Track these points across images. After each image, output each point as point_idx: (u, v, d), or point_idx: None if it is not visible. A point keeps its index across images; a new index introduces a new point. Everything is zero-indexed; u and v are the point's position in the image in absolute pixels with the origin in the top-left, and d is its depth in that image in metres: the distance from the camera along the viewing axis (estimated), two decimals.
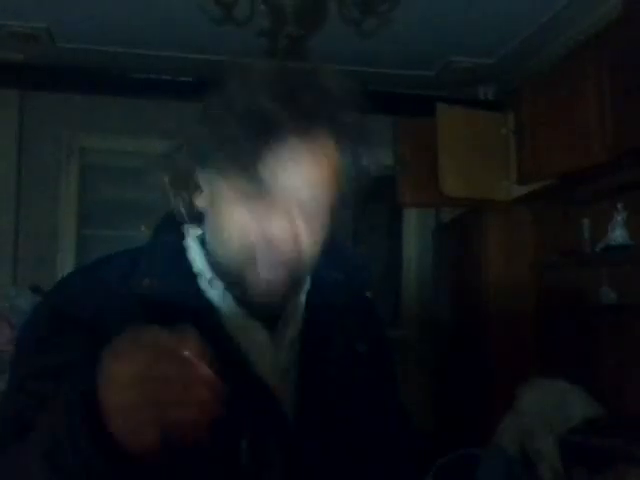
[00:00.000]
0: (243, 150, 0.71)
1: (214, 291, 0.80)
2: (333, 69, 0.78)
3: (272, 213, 0.74)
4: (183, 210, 0.82)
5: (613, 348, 2.73)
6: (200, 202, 0.81)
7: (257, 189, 0.73)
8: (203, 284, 0.80)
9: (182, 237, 0.84)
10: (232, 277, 0.77)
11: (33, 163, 3.71)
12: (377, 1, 2.55)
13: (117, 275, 0.79)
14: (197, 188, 0.80)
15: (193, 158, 0.78)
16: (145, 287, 0.77)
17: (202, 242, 0.83)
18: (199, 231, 0.83)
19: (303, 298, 0.87)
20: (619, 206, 2.68)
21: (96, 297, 0.77)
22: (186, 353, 0.56)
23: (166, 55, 3.54)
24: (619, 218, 2.67)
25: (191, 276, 0.80)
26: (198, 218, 0.82)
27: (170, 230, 0.85)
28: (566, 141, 2.76)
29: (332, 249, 0.88)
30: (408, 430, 0.99)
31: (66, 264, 3.73)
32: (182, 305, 0.76)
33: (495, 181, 3.37)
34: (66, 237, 3.77)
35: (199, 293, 0.79)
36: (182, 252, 0.83)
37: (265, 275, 0.75)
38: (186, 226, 0.84)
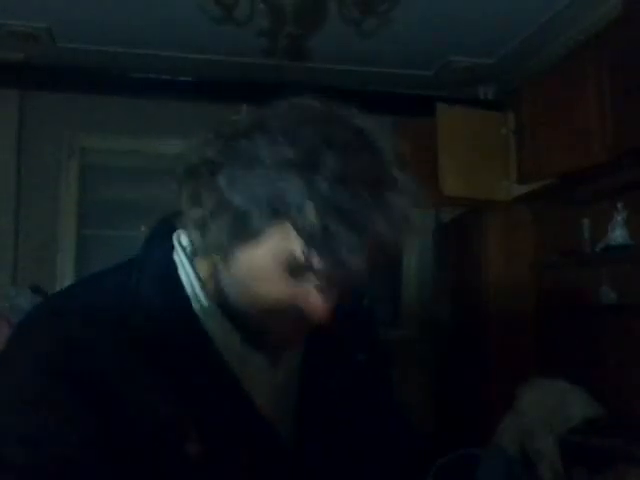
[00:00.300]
0: (333, 247, 0.65)
1: (209, 318, 0.75)
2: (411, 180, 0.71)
3: (322, 294, 0.69)
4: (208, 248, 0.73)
5: (613, 348, 2.73)
6: (238, 251, 0.71)
7: (330, 271, 0.67)
8: (196, 307, 0.75)
9: (172, 248, 0.78)
10: (249, 325, 0.73)
11: (33, 163, 3.71)
12: (377, 1, 2.55)
13: (108, 308, 0.72)
14: (249, 237, 0.69)
15: (241, 230, 0.68)
16: (136, 322, 0.71)
17: (192, 255, 0.77)
18: (186, 239, 0.78)
19: None
20: (619, 206, 2.68)
21: (87, 343, 0.69)
22: None
23: (166, 55, 3.54)
24: (619, 218, 2.67)
25: (184, 301, 0.75)
26: (218, 255, 0.73)
27: (160, 242, 0.79)
28: (566, 141, 2.76)
29: None
30: (410, 434, 0.99)
31: (66, 264, 3.73)
32: (177, 338, 0.72)
33: (495, 181, 3.37)
34: (66, 237, 3.77)
35: (194, 321, 0.74)
36: (173, 272, 0.76)
37: (289, 336, 0.74)
38: (177, 233, 0.79)
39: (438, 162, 3.31)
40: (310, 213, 0.63)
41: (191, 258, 0.77)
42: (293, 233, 0.65)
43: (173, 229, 0.79)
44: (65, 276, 3.68)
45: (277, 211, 0.65)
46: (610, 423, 2.45)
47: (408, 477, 0.95)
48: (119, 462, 0.66)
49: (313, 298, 0.69)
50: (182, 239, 0.78)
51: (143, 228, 3.96)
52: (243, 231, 0.67)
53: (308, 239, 0.65)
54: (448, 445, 2.69)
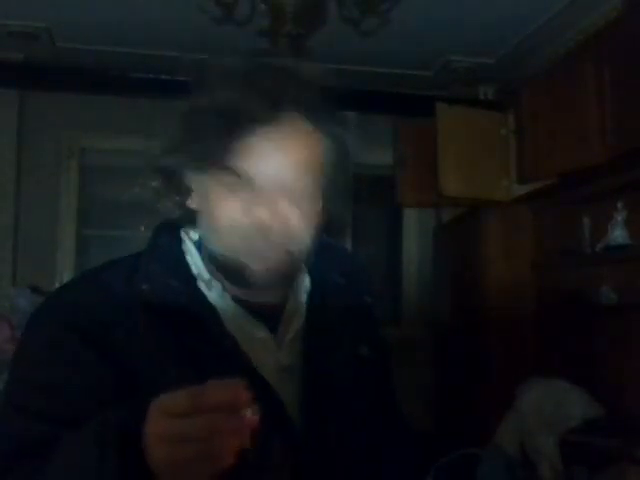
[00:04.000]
0: (215, 142, 0.72)
1: (213, 293, 0.80)
2: (305, 63, 0.79)
3: (257, 199, 0.74)
4: (177, 213, 0.82)
5: (613, 348, 2.72)
6: (192, 203, 0.81)
7: (236, 179, 0.74)
8: (202, 286, 0.80)
9: (180, 241, 0.84)
10: (231, 270, 0.78)
11: (33, 163, 3.71)
12: (377, 1, 2.54)
13: (118, 282, 0.78)
14: (187, 190, 0.80)
15: (175, 158, 0.78)
16: (145, 292, 0.76)
17: (199, 246, 0.83)
18: (196, 235, 0.84)
19: (303, 298, 0.87)
20: (619, 206, 2.68)
21: (99, 306, 0.76)
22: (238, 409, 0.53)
23: (166, 55, 3.54)
24: (619, 218, 2.67)
25: (190, 279, 0.80)
26: (192, 220, 0.82)
27: (168, 234, 0.85)
28: (566, 141, 2.76)
29: (331, 251, 0.90)
30: (408, 430, 1.00)
31: (66, 264, 3.74)
32: (183, 308, 0.76)
33: (495, 181, 3.37)
34: (66, 237, 3.77)
35: (199, 295, 0.79)
36: (180, 255, 0.83)
37: (260, 260, 0.76)
38: (184, 230, 0.85)
39: (438, 162, 3.31)
40: (217, 143, 0.72)
41: (199, 247, 0.83)
42: (212, 162, 0.74)
43: (179, 226, 0.85)
44: (65, 276, 3.68)
45: (199, 150, 0.75)
46: (610, 423, 2.45)
47: (409, 473, 0.96)
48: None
49: (256, 210, 0.74)
50: (191, 234, 0.84)
51: (143, 228, 3.96)
52: (192, 181, 0.79)
53: (220, 161, 0.73)
54: (448, 445, 2.69)
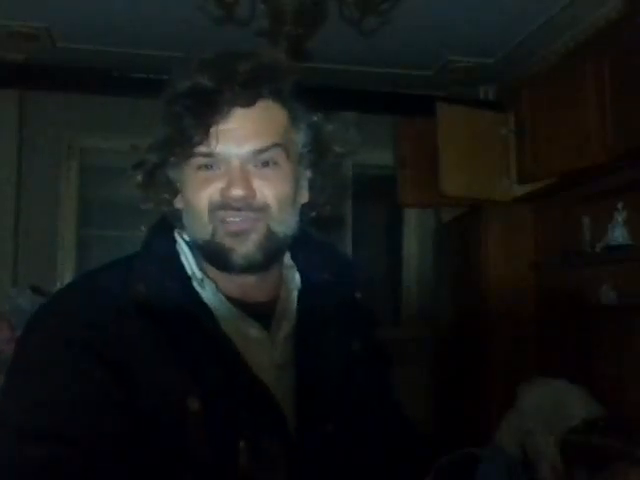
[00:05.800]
0: (185, 127, 0.75)
1: (207, 292, 0.81)
2: (282, 56, 0.82)
3: (225, 175, 0.77)
4: (163, 211, 0.85)
5: (613, 348, 2.72)
6: (178, 203, 0.83)
7: (206, 159, 0.77)
8: (197, 286, 0.81)
9: (174, 242, 0.85)
10: (214, 255, 0.80)
11: (33, 163, 3.71)
12: (377, 1, 2.54)
13: (115, 284, 0.78)
14: (172, 187, 0.83)
15: (157, 154, 0.81)
16: (140, 293, 0.77)
17: (192, 246, 0.84)
18: (187, 235, 0.85)
19: (294, 296, 0.88)
20: (619, 206, 2.68)
21: (96, 312, 0.75)
22: None
23: (166, 55, 3.54)
24: (619, 218, 2.67)
25: (185, 279, 0.81)
26: (181, 220, 0.84)
27: (162, 234, 0.86)
28: (566, 141, 2.76)
29: (318, 247, 0.92)
30: (405, 424, 1.00)
31: (66, 264, 3.74)
32: (178, 307, 0.77)
33: (495, 181, 3.37)
34: (66, 237, 3.77)
35: (194, 295, 0.80)
36: (174, 256, 0.83)
37: (239, 240, 0.78)
38: (177, 231, 0.86)
39: (438, 162, 3.31)
40: (189, 124, 0.76)
41: (191, 247, 0.84)
42: (184, 144, 0.77)
43: (173, 227, 0.86)
44: (65, 276, 3.68)
45: (173, 136, 0.78)
46: (610, 423, 2.45)
47: (407, 470, 0.95)
48: (128, 415, 0.70)
49: (224, 186, 0.77)
50: (184, 235, 0.85)
51: (143, 228, 3.96)
52: (177, 180, 0.82)
53: (191, 142, 0.77)
54: (448, 445, 2.69)
